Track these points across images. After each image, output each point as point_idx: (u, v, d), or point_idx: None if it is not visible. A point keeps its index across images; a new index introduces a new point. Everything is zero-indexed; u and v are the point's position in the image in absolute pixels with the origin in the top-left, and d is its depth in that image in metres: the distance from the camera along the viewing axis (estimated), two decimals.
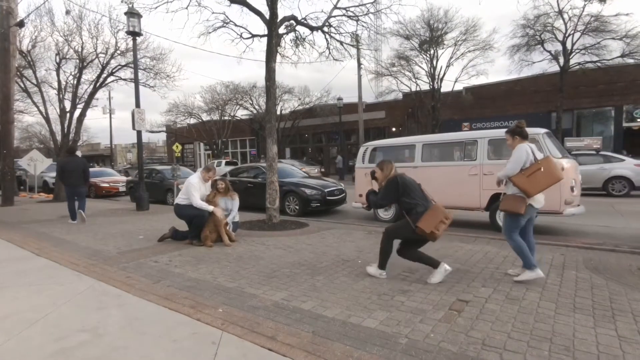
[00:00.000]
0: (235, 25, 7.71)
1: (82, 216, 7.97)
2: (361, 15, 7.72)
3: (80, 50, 12.72)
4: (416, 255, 3.75)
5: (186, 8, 7.40)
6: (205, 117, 29.11)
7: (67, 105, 13.06)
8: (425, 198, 3.74)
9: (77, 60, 12.92)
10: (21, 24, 11.88)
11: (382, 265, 3.85)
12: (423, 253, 3.75)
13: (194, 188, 5.56)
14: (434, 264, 3.65)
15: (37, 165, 14.15)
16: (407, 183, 3.73)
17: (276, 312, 2.98)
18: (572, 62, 17.09)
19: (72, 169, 7.96)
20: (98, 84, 13.15)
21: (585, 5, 15.74)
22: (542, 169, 3.48)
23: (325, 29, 7.77)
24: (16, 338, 2.64)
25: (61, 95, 13.13)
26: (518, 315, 2.85)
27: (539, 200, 3.59)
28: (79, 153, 13.54)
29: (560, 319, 2.76)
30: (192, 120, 29.79)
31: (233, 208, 5.92)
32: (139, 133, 10.29)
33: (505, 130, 3.92)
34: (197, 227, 5.56)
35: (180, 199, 5.72)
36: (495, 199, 6.45)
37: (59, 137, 13.26)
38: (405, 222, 3.68)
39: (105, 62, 12.90)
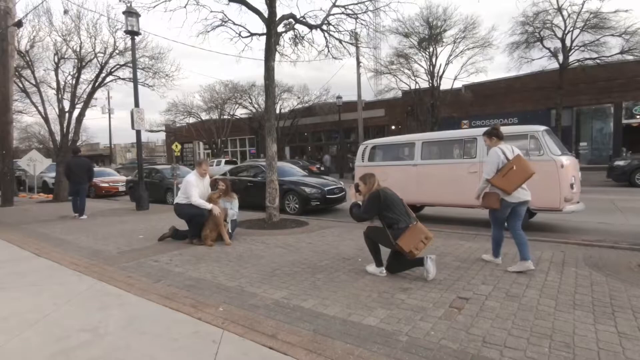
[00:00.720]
0: (234, 24, 7.69)
1: (79, 216, 8.57)
2: (360, 13, 7.71)
3: (78, 50, 12.69)
4: (403, 266, 3.80)
5: (184, 7, 7.38)
6: (204, 116, 29.11)
7: (66, 105, 13.02)
8: (407, 214, 3.77)
9: (76, 60, 12.88)
10: (19, 24, 11.85)
11: (378, 263, 3.87)
12: (407, 260, 3.77)
13: (192, 186, 5.55)
14: (419, 263, 3.68)
15: (36, 165, 14.13)
16: (389, 197, 3.74)
17: (277, 311, 2.98)
18: (571, 59, 17.05)
19: (78, 169, 8.81)
20: (97, 84, 13.12)
21: (584, 2, 15.71)
22: (514, 168, 3.78)
23: (324, 27, 7.76)
24: (17, 338, 2.65)
25: (60, 95, 13.09)
26: (518, 312, 2.85)
27: (514, 196, 3.83)
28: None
29: (560, 316, 2.77)
30: (192, 120, 29.79)
31: (232, 207, 5.92)
32: (138, 132, 10.28)
33: (483, 132, 4.29)
34: (196, 225, 5.56)
35: (180, 198, 5.73)
36: None
37: (58, 137, 13.23)
38: (386, 232, 3.71)
39: (103, 61, 12.86)
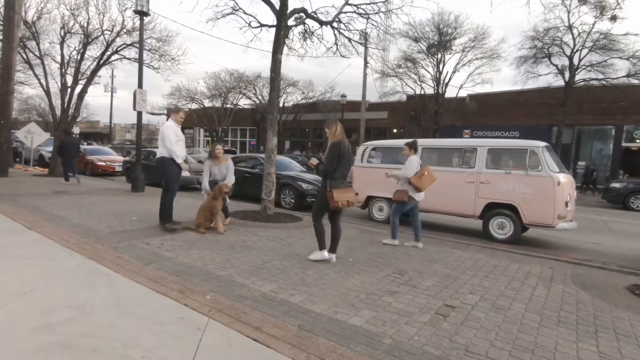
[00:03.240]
0: (245, 13, 7.63)
1: (77, 178, 10.71)
2: (372, 14, 7.67)
3: (85, 25, 12.59)
4: (321, 229, 4.26)
5: None
6: (207, 103, 28.93)
7: (69, 80, 12.94)
8: (344, 174, 4.17)
9: (82, 36, 12.78)
10: None
11: (321, 245, 4.28)
12: (324, 234, 4.26)
13: (170, 130, 5.30)
14: (321, 245, 4.24)
15: (34, 138, 14.00)
16: (345, 153, 4.05)
17: (264, 303, 2.99)
18: (577, 77, 17.08)
19: (70, 146, 10.99)
20: (101, 61, 13.01)
21: (595, 22, 15.74)
22: (426, 173, 5.13)
23: (335, 24, 7.72)
24: (2, 310, 2.64)
25: (63, 70, 12.99)
26: (503, 324, 2.88)
27: (418, 195, 5.22)
28: (76, 130, 13.98)
29: (543, 331, 2.80)
30: (194, 106, 29.61)
31: (228, 172, 6.00)
32: (139, 114, 10.21)
33: (405, 142, 5.49)
34: (168, 189, 5.43)
35: (159, 152, 5.48)
36: (490, 208, 6.48)
37: (58, 112, 13.14)
38: (324, 194, 4.08)
39: (110, 39, 12.76)
